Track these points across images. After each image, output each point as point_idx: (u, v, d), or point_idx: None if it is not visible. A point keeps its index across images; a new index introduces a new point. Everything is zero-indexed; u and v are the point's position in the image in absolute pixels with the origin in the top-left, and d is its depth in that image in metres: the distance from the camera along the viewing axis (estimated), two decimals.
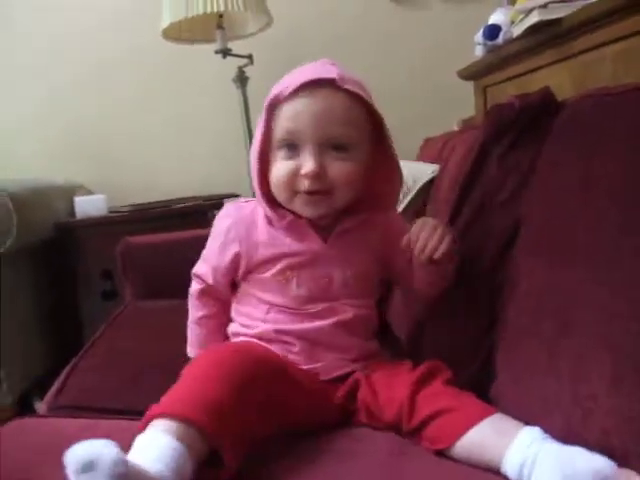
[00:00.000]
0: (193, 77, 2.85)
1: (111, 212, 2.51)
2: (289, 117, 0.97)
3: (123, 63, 2.84)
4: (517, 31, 1.66)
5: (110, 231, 2.32)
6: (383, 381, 0.96)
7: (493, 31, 1.78)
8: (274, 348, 1.01)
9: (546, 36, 1.53)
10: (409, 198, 1.49)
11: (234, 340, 1.09)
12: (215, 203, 2.57)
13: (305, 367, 1.00)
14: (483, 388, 0.94)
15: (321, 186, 0.96)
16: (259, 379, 0.88)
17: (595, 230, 0.80)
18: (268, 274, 1.04)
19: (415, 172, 1.53)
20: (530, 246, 0.95)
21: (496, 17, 1.82)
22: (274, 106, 1.00)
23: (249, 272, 1.07)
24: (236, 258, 1.06)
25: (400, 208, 1.42)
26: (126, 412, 1.07)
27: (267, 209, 1.03)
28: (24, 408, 2.06)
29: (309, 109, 0.96)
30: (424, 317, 1.20)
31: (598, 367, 0.71)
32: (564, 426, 0.75)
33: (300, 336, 1.01)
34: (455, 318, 1.11)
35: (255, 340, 1.03)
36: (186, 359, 1.09)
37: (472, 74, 2.13)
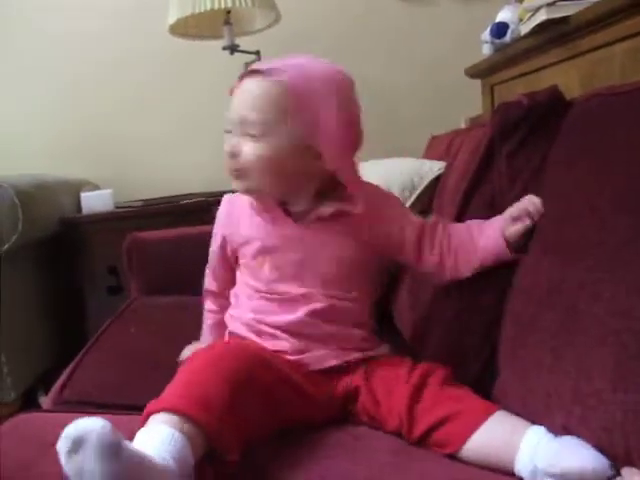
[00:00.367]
0: (200, 73, 2.85)
1: (117, 207, 2.52)
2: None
3: (130, 60, 2.84)
4: (525, 29, 1.66)
5: (116, 226, 2.33)
6: (383, 389, 0.96)
7: (501, 29, 1.78)
8: (262, 340, 1.03)
9: (554, 34, 1.52)
10: (415, 195, 1.49)
11: (230, 327, 1.11)
12: (221, 199, 2.57)
13: (293, 358, 1.00)
14: (487, 385, 0.94)
15: (235, 165, 1.02)
16: (255, 377, 0.89)
17: (604, 228, 0.79)
18: (246, 259, 1.09)
19: (421, 169, 1.53)
20: (538, 243, 0.95)
21: (504, 15, 1.81)
22: None
23: (236, 258, 1.13)
24: (223, 242, 1.15)
25: (407, 205, 1.42)
26: (131, 407, 1.07)
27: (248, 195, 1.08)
28: (29, 403, 2.07)
29: (234, 96, 1.05)
30: (430, 312, 1.20)
31: (603, 364, 0.71)
32: (563, 424, 0.75)
33: (281, 327, 1.02)
34: (460, 314, 1.10)
35: (243, 328, 1.06)
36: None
37: (479, 72, 2.13)
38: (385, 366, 1.00)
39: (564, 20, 1.45)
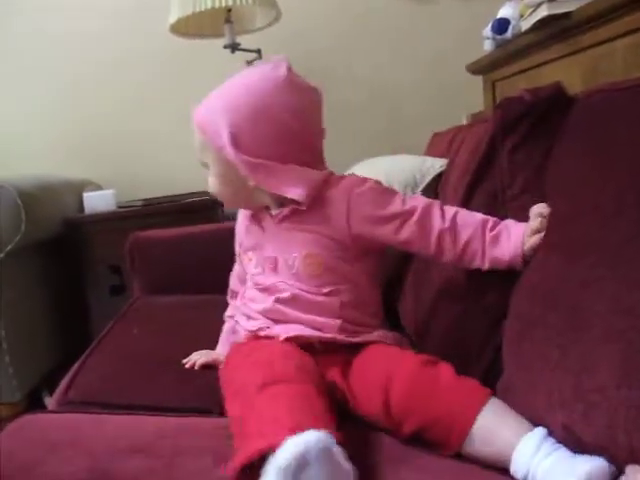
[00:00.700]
0: (202, 72, 2.84)
1: (120, 207, 2.52)
2: None
3: (131, 59, 2.85)
4: (526, 25, 1.65)
5: (119, 226, 2.34)
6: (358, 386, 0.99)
7: (502, 25, 1.77)
8: (248, 321, 1.14)
9: (555, 30, 1.52)
10: (418, 192, 1.49)
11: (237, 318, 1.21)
12: None
13: (264, 333, 1.08)
14: (491, 384, 0.94)
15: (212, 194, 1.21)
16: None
17: (609, 225, 0.79)
18: (242, 255, 1.22)
19: (423, 166, 1.52)
20: (543, 241, 0.95)
21: (505, 11, 1.81)
22: None
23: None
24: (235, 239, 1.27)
25: None
26: (136, 407, 1.07)
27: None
28: (34, 404, 2.08)
29: None
30: (433, 311, 1.20)
31: (607, 360, 0.71)
32: (564, 422, 0.74)
33: (259, 312, 1.12)
34: (466, 310, 1.11)
35: (244, 317, 1.16)
36: None
37: (481, 68, 2.13)
38: (372, 356, 1.02)
39: (565, 16, 1.45)
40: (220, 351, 1.24)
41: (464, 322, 1.11)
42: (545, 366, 0.82)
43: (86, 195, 2.48)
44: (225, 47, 2.41)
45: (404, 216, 1.05)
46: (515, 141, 1.08)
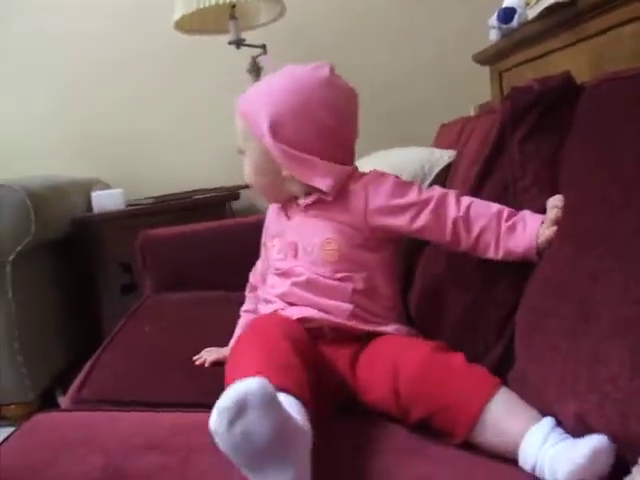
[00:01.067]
0: (207, 69, 2.85)
1: (128, 205, 2.52)
2: None
3: (137, 57, 2.85)
4: (532, 13, 1.64)
5: (128, 225, 2.34)
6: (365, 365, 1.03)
7: (508, 14, 1.76)
8: (266, 305, 1.17)
9: (561, 18, 1.51)
10: (427, 184, 1.49)
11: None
12: (232, 194, 2.58)
13: (281, 312, 1.12)
14: (503, 375, 0.94)
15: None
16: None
17: (619, 216, 0.79)
18: (266, 244, 1.27)
19: (432, 158, 1.52)
20: (556, 233, 0.94)
21: (510, 0, 1.80)
22: None
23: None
24: (264, 231, 1.33)
25: None
26: (149, 404, 1.08)
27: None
28: (47, 403, 2.09)
29: None
30: (443, 303, 1.20)
31: (619, 351, 0.70)
32: (577, 412, 0.74)
33: (277, 295, 1.15)
34: (477, 302, 1.10)
35: (263, 303, 1.20)
36: None
37: (487, 58, 2.11)
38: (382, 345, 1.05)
39: (571, 3, 1.44)
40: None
41: (475, 313, 1.11)
42: (557, 357, 0.82)
43: (94, 194, 2.48)
44: (230, 43, 2.40)
45: (420, 205, 1.09)
46: (525, 131, 1.08)
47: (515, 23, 1.75)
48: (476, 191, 1.16)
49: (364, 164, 1.24)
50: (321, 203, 1.15)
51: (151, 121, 2.90)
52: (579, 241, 0.86)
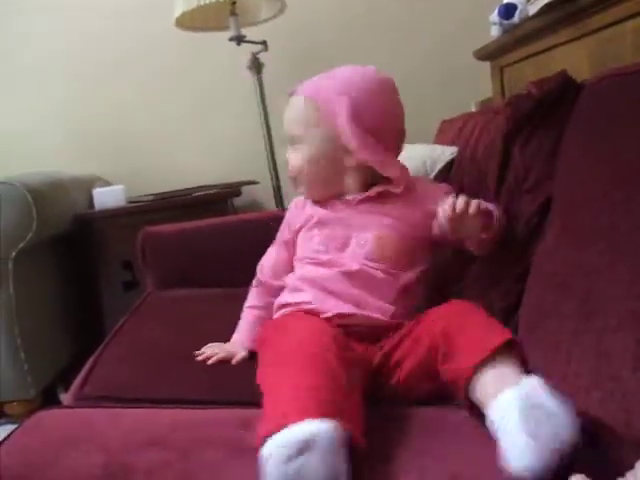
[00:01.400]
0: (208, 65, 2.85)
1: (130, 202, 2.52)
2: None
3: (138, 55, 2.85)
4: (533, 9, 1.64)
5: (129, 222, 2.34)
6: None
7: (509, 10, 1.76)
8: (291, 294, 1.17)
9: (562, 13, 1.50)
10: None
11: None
12: (234, 190, 2.57)
13: (311, 307, 1.10)
14: None
15: (290, 173, 1.26)
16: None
17: (621, 211, 0.79)
18: (302, 232, 1.24)
19: (433, 154, 1.52)
20: (556, 228, 0.95)
21: None
22: None
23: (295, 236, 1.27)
24: (286, 228, 1.31)
25: None
26: (151, 401, 1.08)
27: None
28: (49, 400, 2.09)
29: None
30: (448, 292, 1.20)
31: (622, 347, 0.70)
32: (578, 408, 0.74)
33: (312, 283, 1.14)
34: (482, 299, 1.10)
35: (287, 293, 1.18)
36: None
37: (488, 54, 2.11)
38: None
39: None
40: (238, 340, 1.24)
41: (484, 304, 1.11)
42: (559, 354, 0.82)
43: (96, 191, 2.48)
44: (231, 39, 2.40)
45: None
46: (526, 136, 1.10)
47: (516, 19, 1.75)
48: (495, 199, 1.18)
49: None
50: (383, 197, 1.18)
51: (152, 118, 2.90)
52: (580, 236, 0.86)
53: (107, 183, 2.77)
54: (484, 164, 1.26)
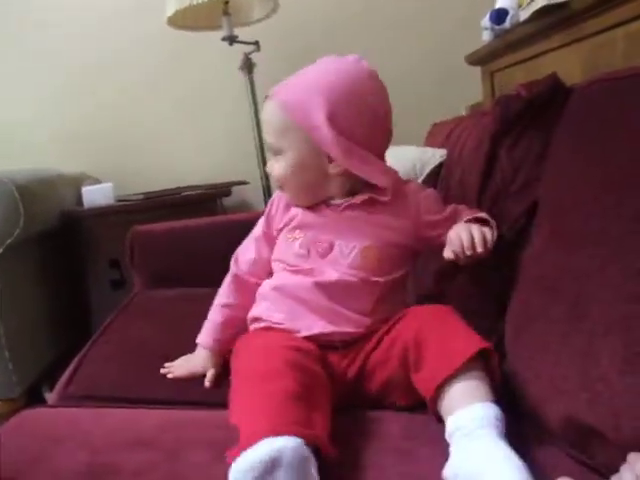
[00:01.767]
0: (199, 65, 2.84)
1: (119, 201, 2.51)
2: None
3: (130, 52, 2.84)
4: (524, 15, 1.64)
5: (118, 220, 2.33)
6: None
7: (500, 15, 1.76)
8: (265, 306, 1.11)
9: (554, 19, 1.51)
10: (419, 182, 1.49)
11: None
12: (223, 190, 2.57)
13: (284, 326, 1.06)
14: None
15: (275, 182, 1.18)
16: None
17: (609, 215, 0.79)
18: (283, 233, 1.17)
19: (423, 157, 1.52)
20: (545, 232, 0.95)
21: (503, 1, 1.80)
22: None
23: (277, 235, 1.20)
24: (269, 222, 1.23)
25: None
26: (137, 401, 1.07)
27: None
28: (33, 399, 2.07)
29: None
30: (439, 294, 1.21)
31: (610, 349, 0.71)
32: (566, 411, 0.75)
33: (286, 294, 1.08)
34: (468, 303, 1.10)
35: (261, 306, 1.12)
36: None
37: (479, 59, 2.12)
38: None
39: (564, 5, 1.44)
40: (209, 344, 1.18)
41: (468, 311, 1.11)
42: (547, 356, 0.82)
43: (85, 189, 2.47)
44: (223, 39, 2.40)
45: (451, 221, 1.10)
46: (515, 137, 1.10)
47: (507, 24, 1.76)
48: (478, 199, 1.18)
49: None
50: (369, 204, 1.11)
51: (143, 117, 2.89)
52: (570, 240, 0.86)
53: (96, 181, 2.76)
54: (470, 165, 1.26)
